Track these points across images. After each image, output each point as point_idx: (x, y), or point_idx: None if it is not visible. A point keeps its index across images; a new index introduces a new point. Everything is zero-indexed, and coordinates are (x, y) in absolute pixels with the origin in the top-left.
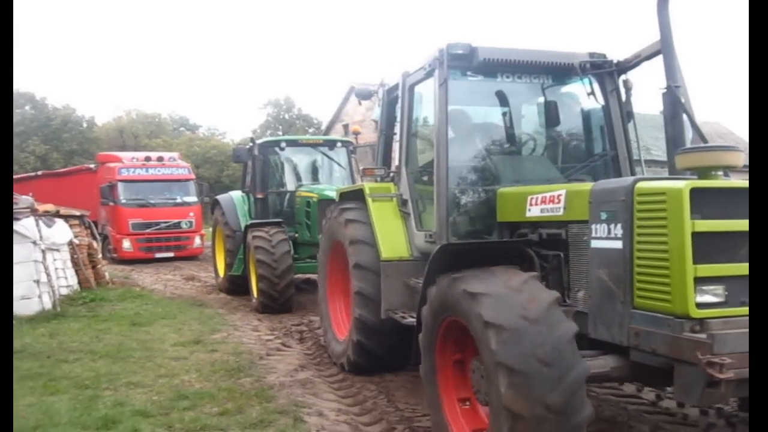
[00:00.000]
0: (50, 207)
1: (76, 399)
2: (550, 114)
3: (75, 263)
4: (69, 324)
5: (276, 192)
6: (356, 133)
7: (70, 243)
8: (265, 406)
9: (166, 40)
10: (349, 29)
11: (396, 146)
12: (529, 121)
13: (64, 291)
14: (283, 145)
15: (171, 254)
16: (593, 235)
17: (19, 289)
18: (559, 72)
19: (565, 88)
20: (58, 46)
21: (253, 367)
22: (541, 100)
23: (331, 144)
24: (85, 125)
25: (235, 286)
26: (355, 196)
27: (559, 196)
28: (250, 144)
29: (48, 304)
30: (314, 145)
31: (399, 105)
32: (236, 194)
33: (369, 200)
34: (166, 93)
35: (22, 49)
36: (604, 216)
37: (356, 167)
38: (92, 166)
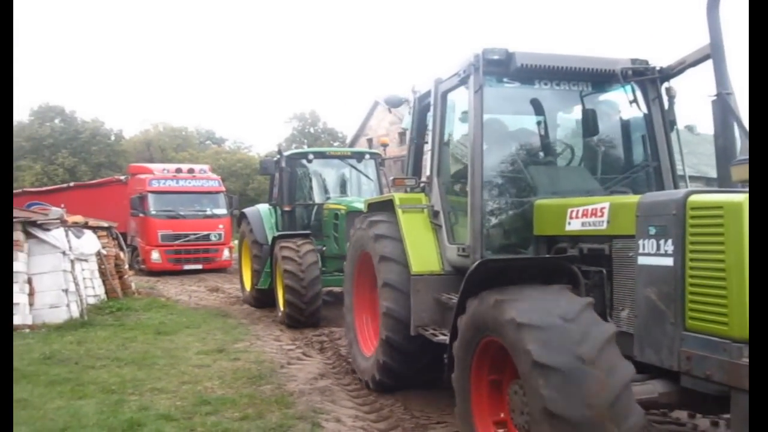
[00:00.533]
0: (79, 218)
1: (103, 403)
2: (589, 122)
3: (102, 273)
4: (96, 332)
5: (303, 204)
6: (384, 146)
7: (98, 253)
8: (284, 412)
9: (193, 55)
10: (374, 44)
11: (427, 156)
12: (567, 129)
13: (92, 300)
14: (310, 157)
15: (199, 266)
16: (640, 251)
17: (48, 297)
18: (600, 79)
19: (604, 96)
20: (89, 61)
21: (274, 375)
22: (580, 107)
23: (359, 156)
24: (113, 138)
25: (262, 300)
26: (385, 207)
27: (602, 209)
28: (278, 156)
29: (76, 312)
30: (342, 157)
31: (431, 113)
32: (263, 207)
33: (399, 212)
34: (192, 107)
35: (52, 64)
36: (652, 231)
37: (385, 180)
38: (122, 177)
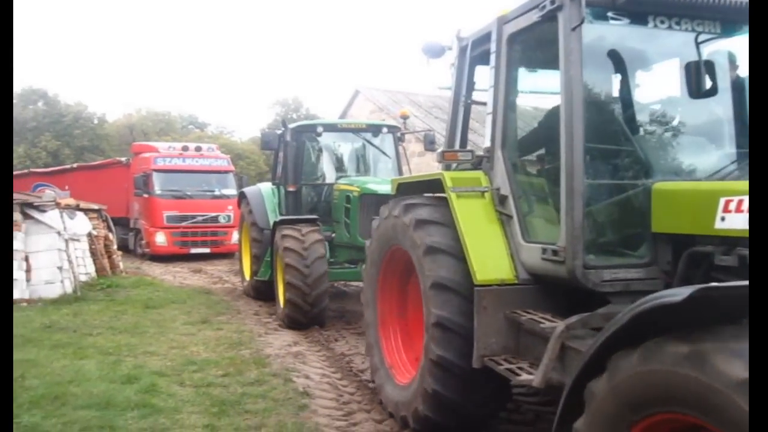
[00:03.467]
0: (71, 201)
1: (102, 363)
2: (710, 79)
3: (93, 253)
4: (89, 306)
5: (310, 184)
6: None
7: (89, 234)
8: (261, 371)
9: (176, 39)
10: (356, 30)
11: (486, 121)
12: (685, 87)
13: (83, 278)
14: (319, 129)
15: (207, 250)
16: None
17: (44, 274)
18: (736, 16)
19: (727, 42)
20: (71, 44)
21: (253, 342)
22: (704, 56)
23: (376, 129)
24: (96, 122)
25: (262, 292)
26: (423, 188)
27: None
28: (282, 128)
29: (69, 288)
30: (356, 131)
31: (493, 63)
32: (265, 186)
33: (452, 196)
34: (175, 91)
35: (35, 47)
36: None
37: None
38: (123, 159)
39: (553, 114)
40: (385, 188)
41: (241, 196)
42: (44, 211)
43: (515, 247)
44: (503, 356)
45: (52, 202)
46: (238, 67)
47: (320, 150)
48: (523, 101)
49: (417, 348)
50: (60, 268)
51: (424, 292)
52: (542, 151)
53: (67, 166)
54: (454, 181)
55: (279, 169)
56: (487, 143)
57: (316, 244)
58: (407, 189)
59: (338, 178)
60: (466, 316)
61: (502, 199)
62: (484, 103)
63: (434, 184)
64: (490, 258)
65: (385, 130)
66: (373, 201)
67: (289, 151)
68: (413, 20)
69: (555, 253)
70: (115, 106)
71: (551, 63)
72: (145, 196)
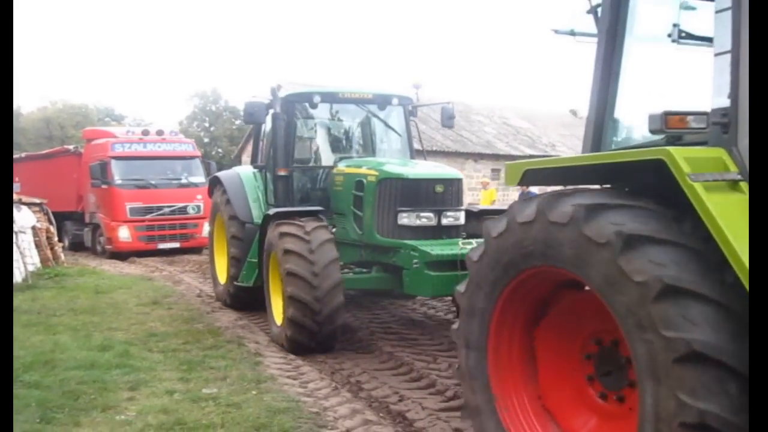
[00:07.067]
0: (15, 196)
1: (74, 337)
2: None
3: (37, 245)
4: (42, 293)
5: (305, 167)
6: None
7: (33, 227)
8: (216, 339)
9: (91, 29)
10: (274, 24)
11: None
12: None
13: (30, 268)
14: (316, 99)
15: (176, 244)
16: None
17: None
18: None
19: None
20: None
21: (203, 317)
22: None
23: (384, 100)
24: None
25: (243, 300)
26: (576, 175)
27: None
28: (270, 98)
29: (19, 278)
30: (360, 101)
31: None
32: (245, 170)
33: (697, 189)
34: (91, 83)
35: None
36: None
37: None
38: (71, 147)
39: None
40: (413, 172)
41: (214, 183)
42: None
43: None
44: None
45: None
46: (156, 58)
47: (316, 125)
48: None
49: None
50: None
51: (653, 367)
52: None
53: (16, 156)
54: (691, 163)
55: (262, 149)
56: (720, 101)
57: (326, 245)
58: (542, 176)
59: (340, 159)
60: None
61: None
62: (708, 40)
63: (610, 172)
64: None
65: (395, 101)
66: (396, 188)
67: (278, 126)
68: (337, 12)
69: None
70: (29, 98)
71: None
72: (104, 186)
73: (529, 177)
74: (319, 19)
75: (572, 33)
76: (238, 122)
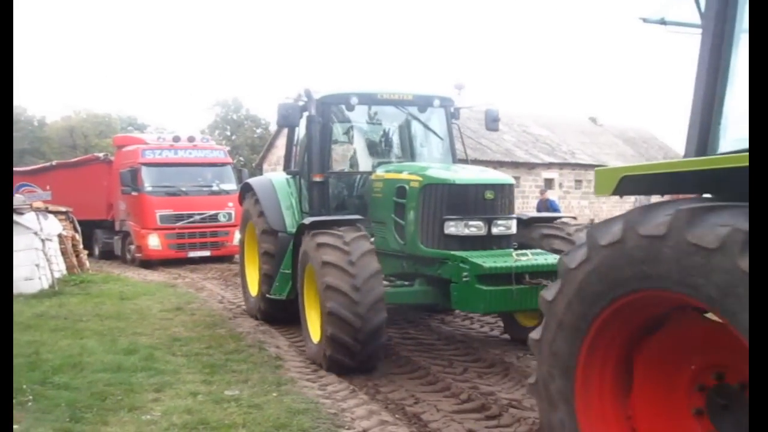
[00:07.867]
0: (41, 204)
1: (100, 341)
2: None
3: (63, 252)
4: (69, 299)
5: (342, 173)
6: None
7: (59, 235)
8: (238, 343)
9: (115, 40)
10: (296, 32)
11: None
12: None
13: (57, 275)
14: (354, 100)
15: (207, 253)
16: None
17: (23, 271)
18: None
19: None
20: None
21: (225, 323)
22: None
23: (425, 102)
24: (36, 124)
25: (274, 315)
26: (680, 182)
27: None
28: (304, 99)
29: (46, 284)
30: (400, 103)
31: None
32: (278, 177)
33: None
34: (114, 92)
35: None
36: None
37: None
38: (101, 155)
39: None
40: (460, 177)
41: (245, 190)
42: (22, 214)
43: None
44: None
45: (28, 206)
46: (178, 67)
47: (353, 128)
48: None
49: None
50: (37, 266)
51: None
52: None
53: (47, 164)
54: None
55: (296, 154)
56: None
57: (368, 256)
58: (642, 184)
59: (378, 164)
60: None
61: None
62: None
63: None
64: None
65: (436, 102)
66: (442, 195)
67: (313, 129)
68: (357, 22)
69: None
70: (53, 107)
71: None
72: (134, 193)
73: (626, 185)
74: (331, 28)
75: (663, 22)
76: (259, 131)
